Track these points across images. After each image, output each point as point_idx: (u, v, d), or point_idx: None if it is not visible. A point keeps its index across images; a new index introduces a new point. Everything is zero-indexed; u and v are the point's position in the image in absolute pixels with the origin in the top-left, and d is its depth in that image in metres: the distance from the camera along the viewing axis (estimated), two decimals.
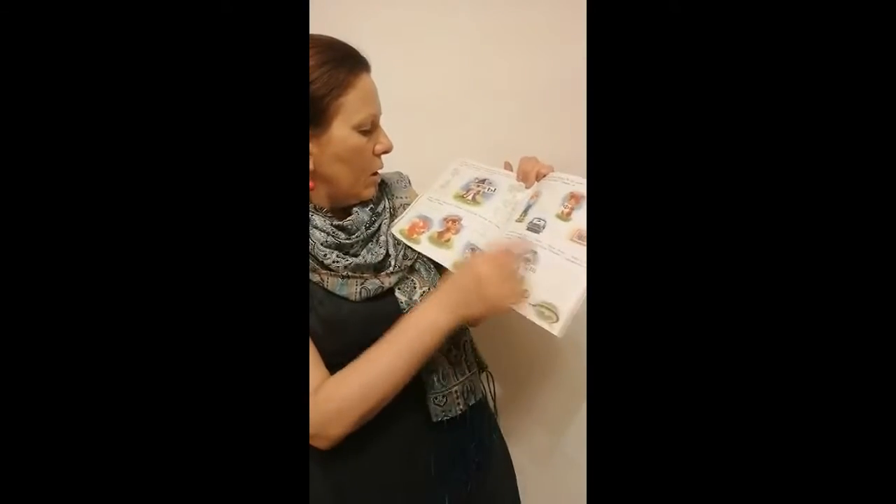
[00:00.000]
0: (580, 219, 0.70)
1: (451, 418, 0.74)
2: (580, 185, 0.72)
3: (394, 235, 0.78)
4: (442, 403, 0.74)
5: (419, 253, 0.77)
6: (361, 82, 0.68)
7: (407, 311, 0.72)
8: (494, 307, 0.65)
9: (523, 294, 0.66)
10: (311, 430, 0.63)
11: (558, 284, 0.67)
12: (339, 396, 0.64)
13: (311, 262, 0.69)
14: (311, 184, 0.71)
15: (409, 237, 0.77)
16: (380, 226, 0.77)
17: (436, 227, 0.78)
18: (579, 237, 0.69)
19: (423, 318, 0.65)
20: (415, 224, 0.79)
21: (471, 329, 0.81)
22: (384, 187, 0.83)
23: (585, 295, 0.66)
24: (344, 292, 0.69)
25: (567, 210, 0.71)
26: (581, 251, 0.68)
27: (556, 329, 0.65)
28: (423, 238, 0.77)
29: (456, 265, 0.75)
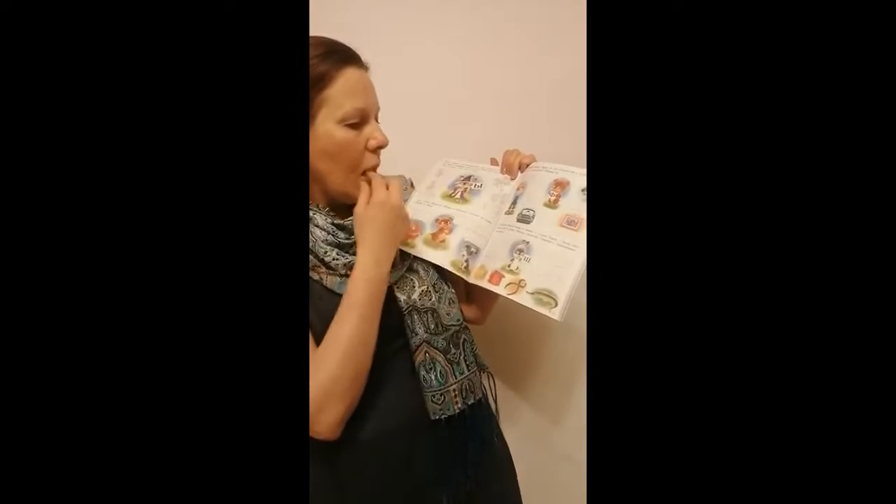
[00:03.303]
0: (567, 205, 0.72)
1: (450, 417, 0.74)
2: (563, 172, 0.74)
3: None
4: (440, 402, 0.73)
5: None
6: (346, 75, 0.68)
7: (406, 310, 0.73)
8: (392, 240, 0.70)
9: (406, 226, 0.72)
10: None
11: (553, 270, 0.69)
12: (319, 379, 0.63)
13: (312, 260, 0.70)
14: None
15: (404, 243, 0.78)
16: None
17: (429, 230, 0.79)
18: (568, 222, 0.71)
19: (355, 279, 0.67)
20: (407, 230, 0.79)
21: (471, 329, 0.81)
22: None
23: (580, 277, 0.67)
24: (342, 290, 0.69)
25: (553, 198, 0.73)
26: (571, 236, 0.69)
27: (555, 314, 0.66)
28: (418, 242, 0.79)
29: (454, 264, 0.76)
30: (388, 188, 0.71)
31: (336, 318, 0.66)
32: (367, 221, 0.69)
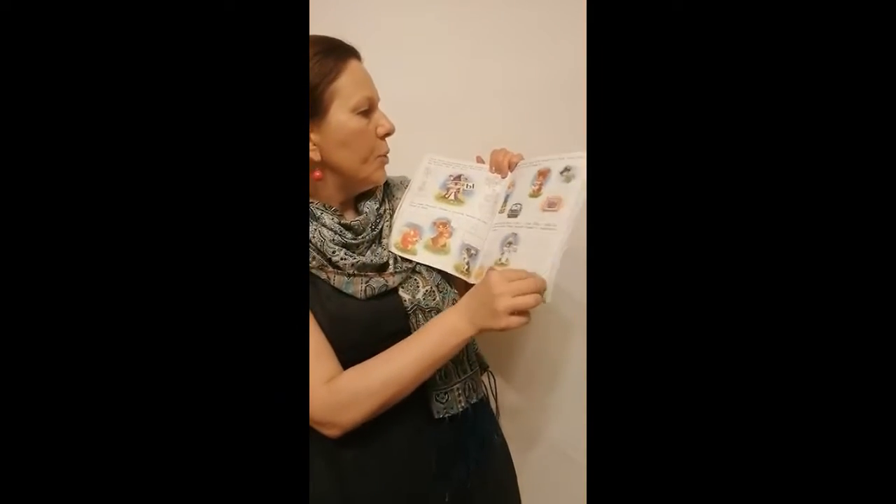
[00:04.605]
0: (548, 190, 0.72)
1: (453, 416, 0.75)
2: (544, 162, 0.75)
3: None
4: (444, 401, 0.75)
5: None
6: (351, 67, 0.72)
7: (411, 309, 0.75)
8: (503, 324, 0.65)
9: (518, 320, 0.65)
10: (324, 417, 0.67)
11: (535, 253, 0.68)
12: (356, 387, 0.67)
13: (321, 259, 0.72)
14: (318, 173, 0.75)
15: (404, 249, 0.80)
16: (382, 228, 0.80)
17: (428, 234, 0.80)
18: (549, 205, 0.70)
19: (446, 323, 0.68)
20: (406, 234, 0.81)
21: None
22: (386, 189, 0.85)
23: (560, 254, 0.66)
24: (350, 290, 0.71)
25: (537, 187, 0.73)
26: (553, 216, 0.69)
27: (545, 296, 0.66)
28: (419, 247, 0.80)
29: (456, 267, 0.78)
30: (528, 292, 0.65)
31: (405, 342, 0.69)
32: (493, 296, 0.64)
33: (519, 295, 0.63)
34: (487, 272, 0.67)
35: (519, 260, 0.71)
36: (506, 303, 0.63)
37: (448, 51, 1.07)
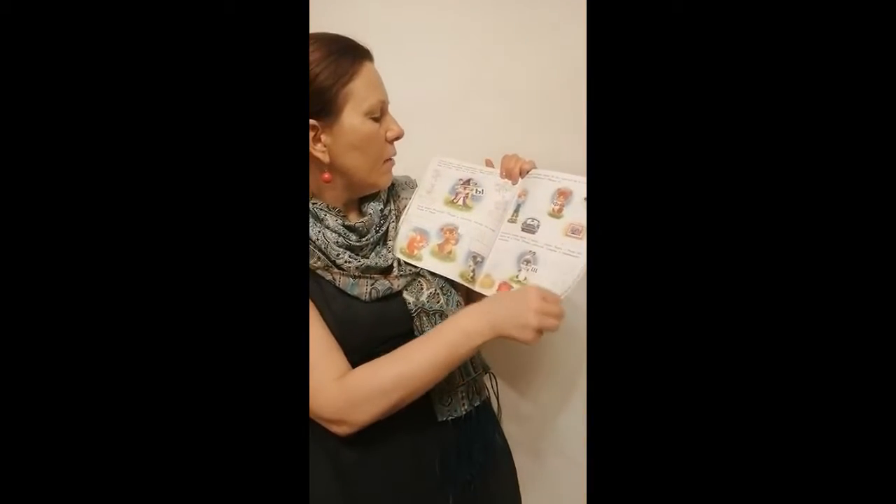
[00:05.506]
0: (571, 214, 0.73)
1: (456, 418, 0.76)
2: (565, 181, 0.76)
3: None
4: (447, 403, 0.75)
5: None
6: (365, 70, 0.70)
7: (415, 312, 0.74)
8: (528, 337, 0.66)
9: (538, 337, 0.67)
10: (336, 414, 0.66)
11: (558, 277, 0.71)
12: (370, 385, 0.66)
13: (325, 261, 0.71)
14: (327, 175, 0.73)
15: (410, 255, 0.79)
16: (387, 229, 0.79)
17: (434, 240, 0.79)
18: (573, 231, 0.72)
19: (466, 324, 0.68)
20: (413, 239, 0.80)
21: None
22: (391, 188, 0.84)
23: (582, 278, 0.69)
24: (355, 292, 0.71)
25: (557, 207, 0.75)
26: (576, 244, 0.71)
27: None
28: (425, 253, 0.79)
29: (462, 275, 0.77)
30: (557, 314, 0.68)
31: (418, 341, 0.69)
32: (529, 311, 0.66)
33: (550, 316, 0.66)
34: (528, 287, 0.69)
35: (539, 281, 0.72)
36: (538, 321, 0.66)
37: (448, 50, 1.06)
